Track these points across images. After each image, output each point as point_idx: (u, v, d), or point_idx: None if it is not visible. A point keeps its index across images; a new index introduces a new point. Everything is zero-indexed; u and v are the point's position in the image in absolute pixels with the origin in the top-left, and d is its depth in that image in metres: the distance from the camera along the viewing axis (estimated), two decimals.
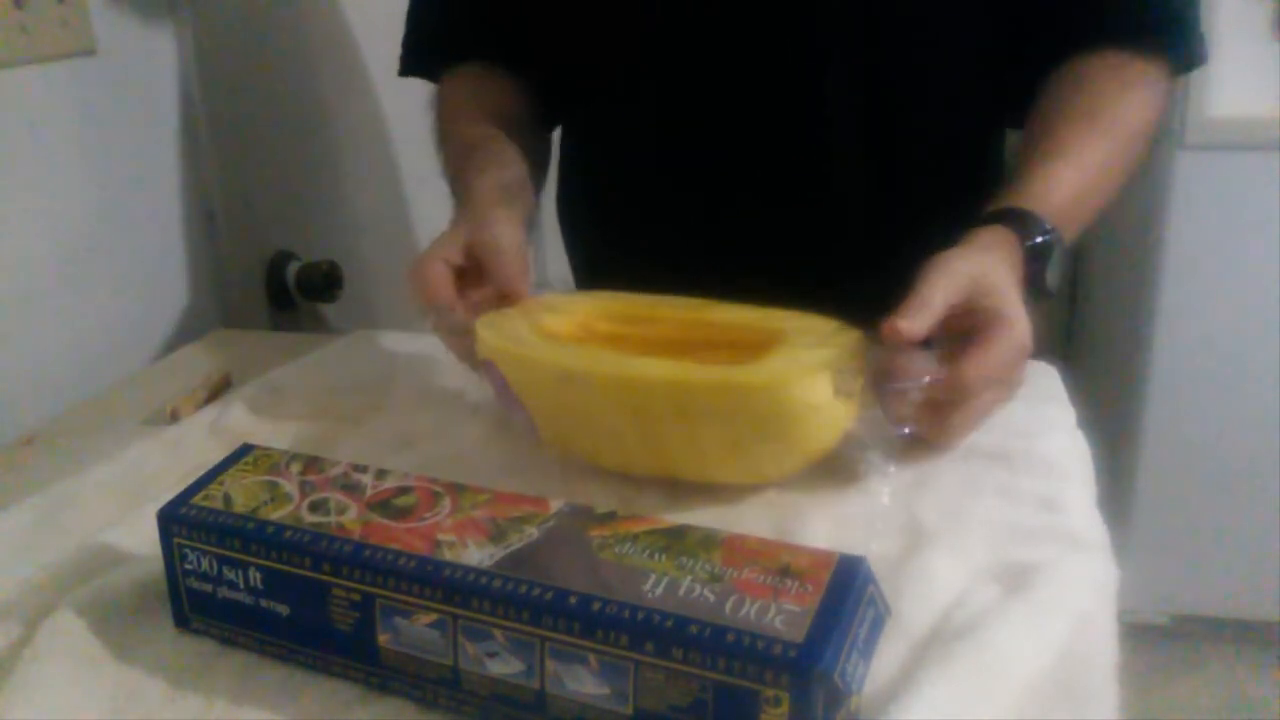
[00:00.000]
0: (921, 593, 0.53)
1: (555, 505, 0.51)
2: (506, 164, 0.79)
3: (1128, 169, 0.76)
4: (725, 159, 0.84)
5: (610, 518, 0.50)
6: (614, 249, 0.91)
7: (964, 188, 0.78)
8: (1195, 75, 1.59)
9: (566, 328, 0.69)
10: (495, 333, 0.66)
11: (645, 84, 0.84)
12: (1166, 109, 0.79)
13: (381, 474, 0.54)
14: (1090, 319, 2.15)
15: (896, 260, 0.63)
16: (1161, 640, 1.85)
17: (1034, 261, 0.67)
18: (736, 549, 0.47)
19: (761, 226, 0.84)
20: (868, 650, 0.45)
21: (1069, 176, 0.71)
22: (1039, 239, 0.68)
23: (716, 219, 0.85)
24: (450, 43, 0.92)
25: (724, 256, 0.79)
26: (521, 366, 0.64)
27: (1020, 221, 0.68)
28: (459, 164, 0.81)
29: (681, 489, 0.64)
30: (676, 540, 0.48)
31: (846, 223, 0.83)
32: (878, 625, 0.47)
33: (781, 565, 0.45)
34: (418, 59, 0.94)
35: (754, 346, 0.62)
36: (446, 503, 0.51)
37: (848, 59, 0.78)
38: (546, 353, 0.64)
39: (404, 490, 0.53)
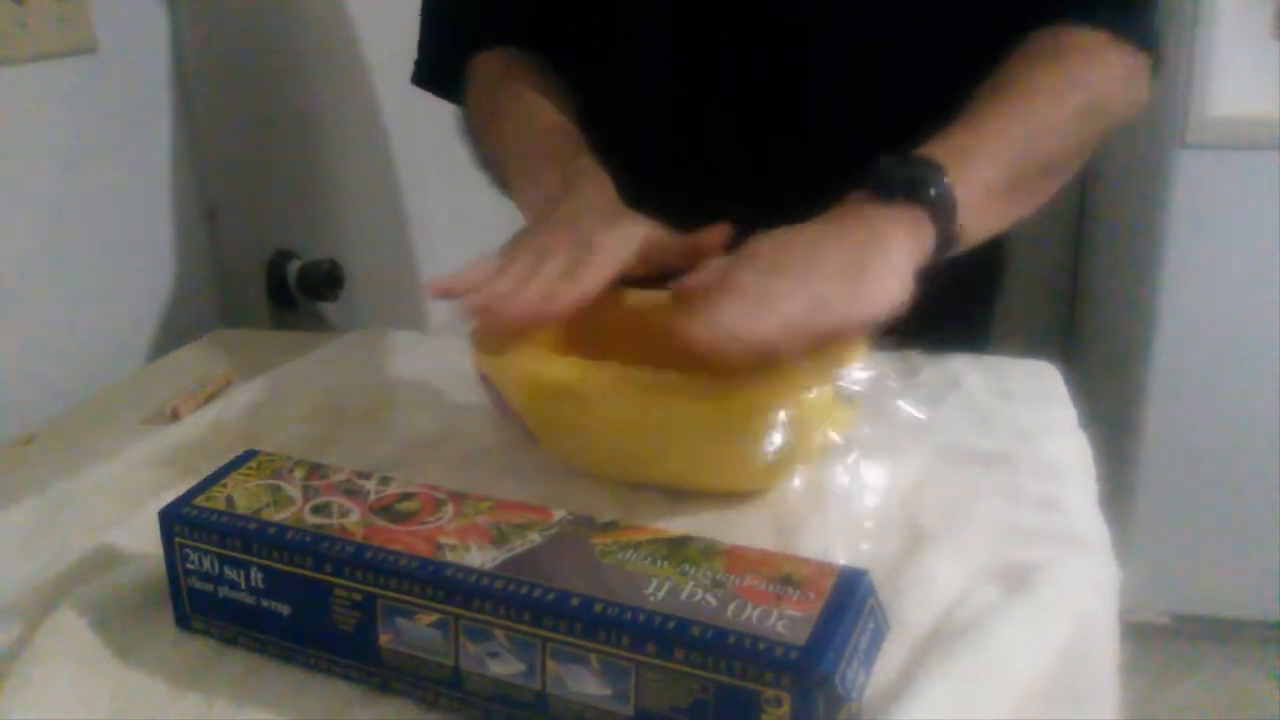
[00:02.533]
0: (922, 593, 0.53)
1: (558, 514, 0.51)
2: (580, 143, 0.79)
3: (1062, 132, 0.73)
4: (723, 93, 0.84)
5: (612, 527, 0.50)
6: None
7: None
8: (1196, 75, 1.61)
9: (559, 336, 0.68)
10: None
11: (637, 26, 0.85)
12: (1134, 85, 0.78)
13: (385, 480, 0.54)
14: (1090, 319, 2.15)
15: None
16: (1161, 640, 1.85)
17: (896, 192, 0.64)
18: (738, 558, 0.47)
19: (757, 175, 0.85)
20: (867, 662, 0.45)
21: (960, 131, 0.69)
22: (895, 171, 0.64)
23: (712, 162, 0.86)
24: (472, 36, 0.92)
25: (722, 204, 0.80)
26: (513, 380, 0.63)
27: (875, 169, 0.65)
28: (540, 141, 0.81)
29: (683, 493, 0.64)
30: (679, 549, 0.48)
31: (843, 165, 0.83)
32: (877, 639, 0.47)
33: (783, 574, 0.45)
34: (436, 61, 0.93)
35: None
36: (449, 509, 0.51)
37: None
38: (537, 366, 0.63)
39: (407, 496, 0.53)
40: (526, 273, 0.63)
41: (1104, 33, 0.76)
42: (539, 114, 0.82)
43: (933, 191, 0.63)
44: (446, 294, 0.62)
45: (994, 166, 0.68)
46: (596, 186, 0.73)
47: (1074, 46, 0.75)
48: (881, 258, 0.60)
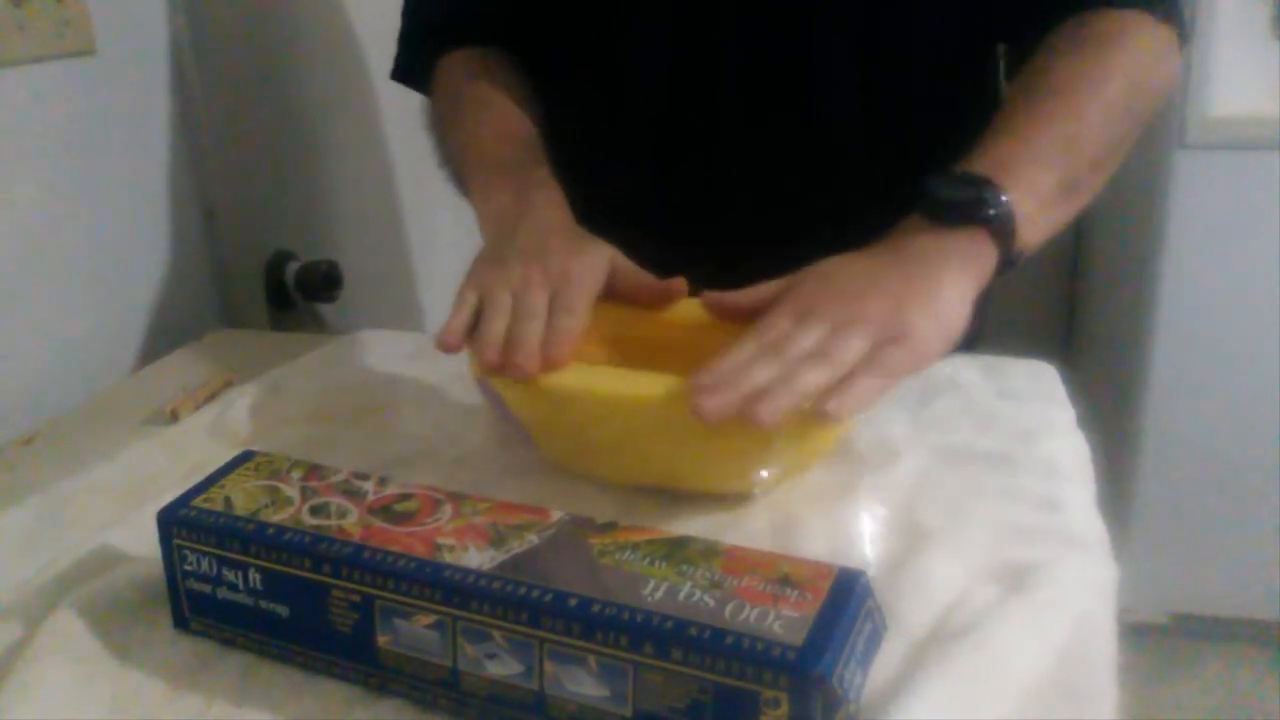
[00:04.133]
0: (921, 593, 0.53)
1: (556, 515, 0.51)
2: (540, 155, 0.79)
3: (1109, 123, 0.71)
4: (718, 89, 0.84)
5: (611, 527, 0.50)
6: (606, 207, 0.84)
7: (960, 116, 0.76)
8: (1195, 75, 1.61)
9: None
10: None
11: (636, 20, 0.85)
12: (1167, 59, 0.76)
13: (383, 481, 0.54)
14: (1090, 319, 2.15)
15: (894, 196, 0.63)
16: (1161, 640, 1.85)
17: (954, 216, 0.63)
18: (737, 559, 0.47)
19: (758, 165, 0.85)
20: (865, 662, 0.45)
21: (1005, 138, 0.68)
22: (949, 192, 0.63)
23: (711, 154, 0.86)
24: (447, 32, 0.92)
25: (721, 196, 0.79)
26: (514, 386, 0.63)
27: (928, 193, 0.64)
28: (504, 148, 0.81)
29: (682, 494, 0.64)
30: (677, 549, 0.48)
31: (843, 156, 0.83)
32: (875, 639, 0.47)
33: (781, 575, 0.45)
34: (413, 57, 0.93)
35: None
36: (448, 509, 0.51)
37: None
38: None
39: (405, 497, 0.53)
40: (509, 312, 0.64)
41: (1128, 11, 0.75)
42: (496, 118, 0.82)
43: (992, 211, 0.62)
44: (454, 350, 0.64)
45: (1046, 172, 0.66)
46: (550, 203, 0.73)
47: (1103, 31, 0.73)
48: (938, 301, 0.59)
